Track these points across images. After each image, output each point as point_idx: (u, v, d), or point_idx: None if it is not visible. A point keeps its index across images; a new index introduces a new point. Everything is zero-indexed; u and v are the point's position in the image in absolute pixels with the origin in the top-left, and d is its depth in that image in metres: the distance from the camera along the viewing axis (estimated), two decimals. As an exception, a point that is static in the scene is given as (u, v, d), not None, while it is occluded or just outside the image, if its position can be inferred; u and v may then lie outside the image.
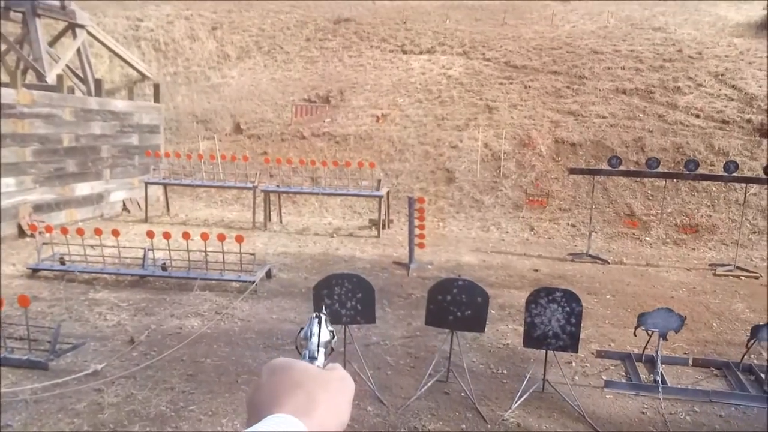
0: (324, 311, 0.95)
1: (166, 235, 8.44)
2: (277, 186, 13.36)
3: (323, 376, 0.77)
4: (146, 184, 13.65)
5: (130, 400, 5.15)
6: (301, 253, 10.86)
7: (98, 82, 15.33)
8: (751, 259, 11.60)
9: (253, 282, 8.32)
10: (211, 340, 6.58)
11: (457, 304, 5.70)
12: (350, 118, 17.14)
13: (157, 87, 16.23)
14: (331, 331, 0.91)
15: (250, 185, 13.17)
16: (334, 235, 12.40)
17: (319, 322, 0.90)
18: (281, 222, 13.36)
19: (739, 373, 6.32)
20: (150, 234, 8.61)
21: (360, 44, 21.46)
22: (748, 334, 6.07)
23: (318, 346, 0.87)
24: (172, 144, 17.17)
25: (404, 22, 22.48)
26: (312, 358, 0.86)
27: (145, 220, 13.26)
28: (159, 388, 5.38)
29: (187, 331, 6.80)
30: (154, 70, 20.66)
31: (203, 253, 8.45)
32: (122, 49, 19.72)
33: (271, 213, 13.29)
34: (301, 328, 0.91)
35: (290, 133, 16.75)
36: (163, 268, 8.70)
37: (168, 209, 14.14)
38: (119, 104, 14.29)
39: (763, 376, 6.07)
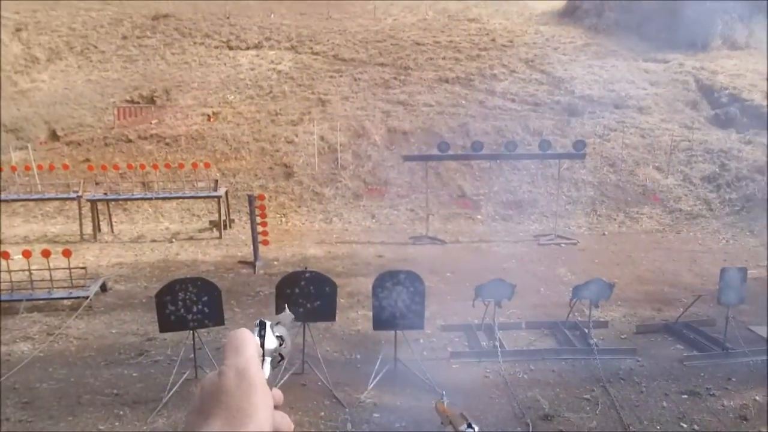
0: (283, 312, 0.84)
1: (-20, 257, 7.64)
2: (105, 194, 12.54)
3: (244, 384, 0.70)
4: (-51, 203, 12.20)
5: (-46, 441, 4.65)
6: (138, 262, 10.32)
7: None
8: (569, 228, 12.78)
9: (87, 297, 7.79)
10: (45, 364, 6.09)
11: (306, 296, 5.75)
12: (179, 118, 16.48)
13: (-47, 95, 14.53)
14: (279, 337, 0.80)
15: (73, 195, 12.24)
16: (173, 240, 11.90)
17: (262, 329, 0.79)
18: (113, 232, 12.57)
19: (566, 331, 6.99)
20: (-40, 257, 7.74)
21: (182, 41, 20.65)
22: (571, 295, 6.71)
23: (263, 355, 0.76)
24: (-23, 157, 15.48)
25: (227, 17, 21.97)
26: None
27: (-48, 243, 11.88)
28: (-12, 423, 4.90)
29: (17, 357, 6.24)
30: (-52, 76, 18.46)
31: (27, 272, 7.77)
32: None
33: (101, 223, 12.47)
34: None
35: (114, 137, 15.77)
36: (-20, 293, 7.88)
37: (-21, 229, 12.76)
38: None
39: (586, 330, 6.75)
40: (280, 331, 0.81)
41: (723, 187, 13.86)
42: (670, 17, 19.25)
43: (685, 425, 5.04)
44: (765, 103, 16.20)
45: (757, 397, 5.48)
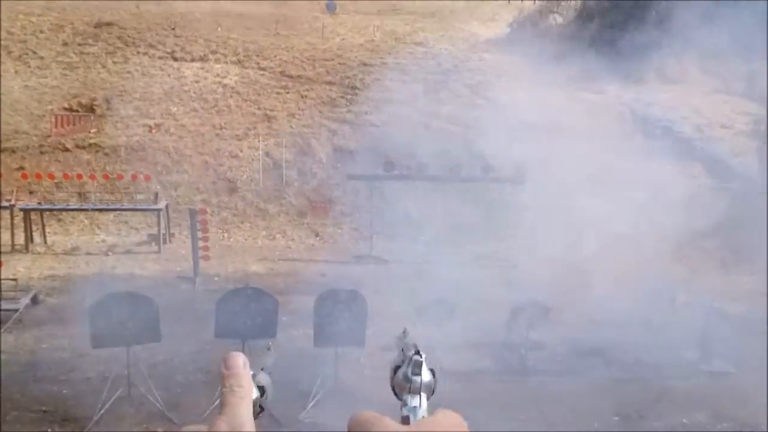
0: (268, 351, 0.75)
1: None
2: (39, 203, 12.16)
3: None
4: None
5: None
6: (72, 274, 10.01)
7: None
8: (511, 250, 13.02)
9: (17, 310, 7.51)
10: (-32, 380, 5.83)
11: (247, 313, 5.72)
12: (120, 129, 16.11)
13: None
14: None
15: (6, 204, 11.81)
16: (109, 253, 11.60)
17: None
18: (46, 243, 12.15)
19: (504, 352, 7.16)
20: None
21: (125, 50, 20.23)
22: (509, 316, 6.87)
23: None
24: None
25: (173, 28, 21.66)
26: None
27: None
28: None
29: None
30: None
31: (-49, 284, 7.44)
32: None
33: (33, 233, 12.04)
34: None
35: (50, 145, 15.27)
36: None
37: None
38: None
39: (523, 351, 6.92)
40: (263, 379, 0.73)
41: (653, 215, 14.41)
42: (609, 50, 20.05)
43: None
44: (696, 136, 17.07)
45: (685, 420, 5.73)
